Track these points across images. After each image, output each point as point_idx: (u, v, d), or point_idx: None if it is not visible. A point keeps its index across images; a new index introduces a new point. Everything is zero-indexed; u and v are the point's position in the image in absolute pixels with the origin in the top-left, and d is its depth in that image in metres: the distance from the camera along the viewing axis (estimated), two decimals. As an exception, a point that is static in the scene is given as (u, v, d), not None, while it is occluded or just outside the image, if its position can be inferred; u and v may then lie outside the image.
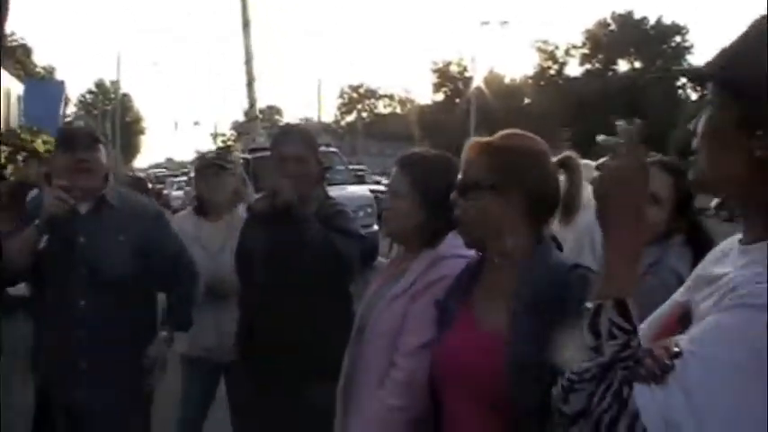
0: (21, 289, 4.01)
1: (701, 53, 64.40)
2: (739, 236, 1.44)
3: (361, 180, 17.79)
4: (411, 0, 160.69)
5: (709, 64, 1.44)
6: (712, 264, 1.49)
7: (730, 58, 1.39)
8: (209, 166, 4.91)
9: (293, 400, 3.57)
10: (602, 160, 1.43)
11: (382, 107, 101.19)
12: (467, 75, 71.12)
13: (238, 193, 4.98)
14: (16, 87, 37.57)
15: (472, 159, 2.23)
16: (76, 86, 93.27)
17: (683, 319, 1.43)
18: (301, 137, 3.89)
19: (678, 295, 1.56)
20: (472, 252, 2.40)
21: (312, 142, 3.89)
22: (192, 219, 4.89)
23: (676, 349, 1.26)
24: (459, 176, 2.27)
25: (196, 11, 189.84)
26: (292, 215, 3.54)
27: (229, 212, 4.87)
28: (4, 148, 8.49)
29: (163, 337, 3.79)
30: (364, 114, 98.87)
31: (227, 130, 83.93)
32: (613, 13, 67.35)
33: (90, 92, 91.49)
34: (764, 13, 1.35)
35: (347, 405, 2.79)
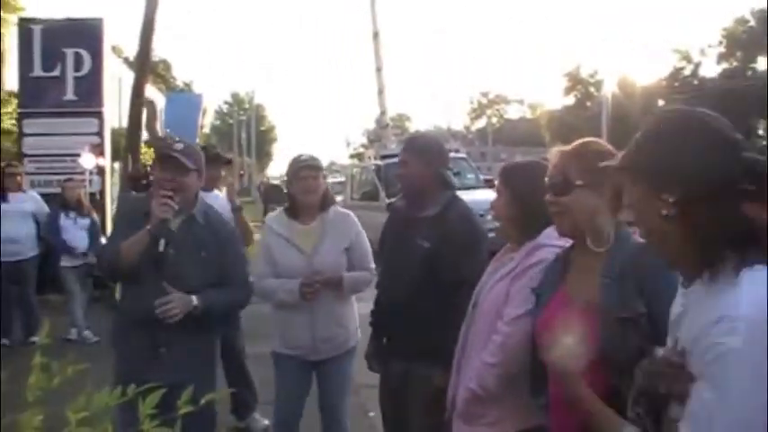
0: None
1: None
2: None
3: (490, 185, 18.02)
4: (542, 7, 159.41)
5: (622, 158, 1.97)
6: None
7: (635, 153, 1.92)
8: (304, 168, 4.82)
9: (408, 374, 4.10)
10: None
11: (512, 112, 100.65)
12: (597, 78, 69.90)
13: (328, 196, 4.94)
14: (158, 100, 39.28)
15: (564, 164, 2.72)
16: (213, 98, 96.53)
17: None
18: (409, 144, 4.44)
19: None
20: (563, 241, 2.91)
21: (418, 148, 4.31)
22: (284, 220, 4.90)
23: None
24: (552, 179, 2.75)
25: (327, 22, 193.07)
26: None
27: (320, 215, 4.86)
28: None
29: (191, 298, 3.96)
30: (494, 120, 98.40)
31: (358, 137, 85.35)
32: (752, 9, 64.87)
33: (226, 103, 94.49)
34: (659, 114, 1.97)
35: (461, 366, 3.35)
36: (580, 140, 2.83)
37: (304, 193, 4.79)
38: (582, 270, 2.72)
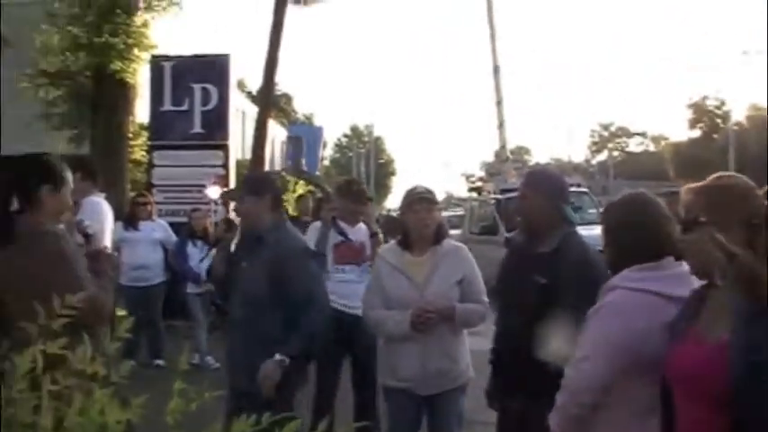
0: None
1: None
2: None
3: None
4: (664, 36, 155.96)
5: None
6: None
7: None
8: (418, 200, 4.82)
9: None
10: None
11: (634, 145, 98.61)
12: (724, 109, 67.90)
13: (442, 229, 4.91)
14: (280, 133, 40.04)
15: (690, 201, 2.64)
16: (333, 131, 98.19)
17: None
18: (529, 178, 4.40)
19: None
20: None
21: (538, 182, 4.27)
22: (397, 251, 4.91)
23: None
24: (682, 217, 2.68)
25: (447, 56, 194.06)
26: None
27: (433, 247, 4.81)
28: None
29: (277, 360, 4.35)
30: (615, 153, 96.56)
31: (476, 170, 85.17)
32: None
33: (345, 135, 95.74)
34: None
35: None
36: (713, 176, 2.75)
37: (417, 225, 4.78)
38: (715, 308, 2.61)
